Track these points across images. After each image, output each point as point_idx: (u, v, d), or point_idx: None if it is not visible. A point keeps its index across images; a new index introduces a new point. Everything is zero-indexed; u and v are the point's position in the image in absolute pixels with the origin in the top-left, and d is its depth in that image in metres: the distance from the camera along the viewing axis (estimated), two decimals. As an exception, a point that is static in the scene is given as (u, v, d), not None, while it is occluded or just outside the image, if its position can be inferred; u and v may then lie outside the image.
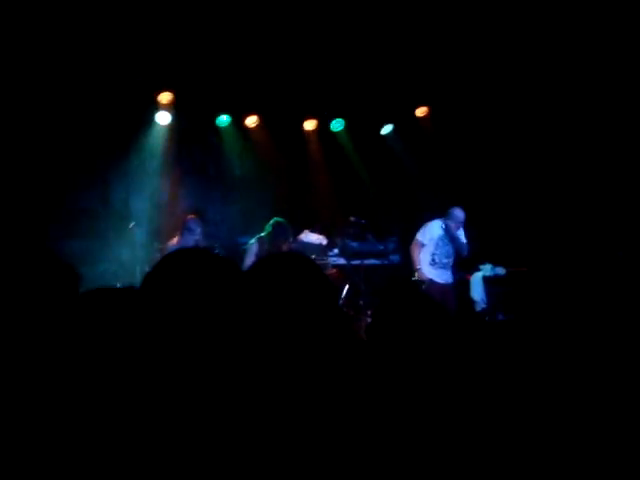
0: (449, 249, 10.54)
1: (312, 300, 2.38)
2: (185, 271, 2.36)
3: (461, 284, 11.31)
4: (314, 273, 2.46)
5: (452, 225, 10.34)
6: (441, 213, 10.47)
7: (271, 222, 10.00)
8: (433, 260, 10.55)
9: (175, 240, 9.69)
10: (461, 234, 10.52)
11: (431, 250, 10.53)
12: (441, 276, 10.53)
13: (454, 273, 10.75)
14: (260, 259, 2.59)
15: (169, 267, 2.39)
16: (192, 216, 9.83)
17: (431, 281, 10.44)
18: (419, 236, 10.54)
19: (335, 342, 2.38)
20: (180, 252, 2.49)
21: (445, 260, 10.56)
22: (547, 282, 11.58)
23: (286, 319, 2.31)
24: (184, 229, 9.61)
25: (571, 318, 9.42)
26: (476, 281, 11.19)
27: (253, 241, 10.05)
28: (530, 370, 3.33)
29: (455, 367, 2.82)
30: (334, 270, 11.11)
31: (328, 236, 11.60)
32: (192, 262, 2.40)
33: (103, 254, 10.72)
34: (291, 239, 10.23)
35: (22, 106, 9.90)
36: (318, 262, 10.38)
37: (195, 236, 9.52)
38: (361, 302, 10.92)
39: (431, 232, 10.46)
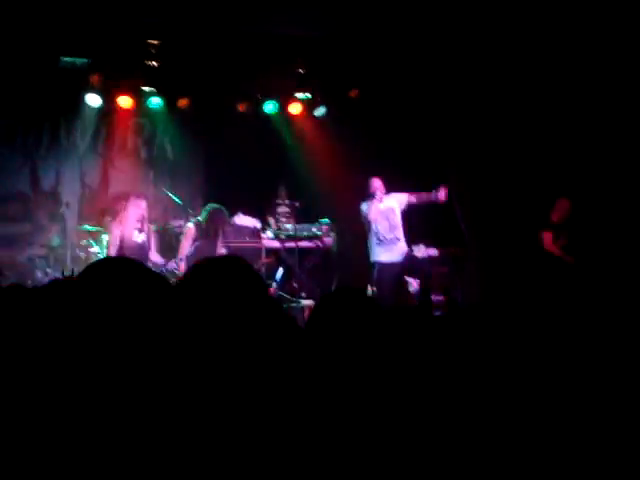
0: (387, 223, 10.54)
1: (247, 302, 2.47)
2: (113, 281, 2.41)
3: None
4: (248, 275, 2.56)
5: (377, 197, 10.48)
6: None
7: (207, 207, 10.12)
8: (378, 239, 10.55)
9: (120, 219, 9.64)
10: (394, 199, 10.61)
11: (373, 230, 10.58)
12: (389, 254, 10.52)
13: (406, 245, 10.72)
14: (195, 264, 2.69)
15: (98, 277, 2.43)
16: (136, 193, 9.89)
17: (379, 264, 10.53)
18: (364, 220, 10.76)
19: (272, 336, 2.46)
20: (107, 262, 2.69)
21: (389, 235, 10.54)
22: (480, 263, 11.88)
23: (222, 319, 2.39)
24: (130, 208, 9.56)
25: (503, 300, 9.73)
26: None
27: (190, 225, 10.14)
28: (466, 358, 3.25)
29: (388, 360, 2.88)
30: (270, 258, 11.26)
31: (261, 218, 11.64)
32: (119, 273, 2.46)
33: (34, 238, 10.86)
34: (228, 223, 10.32)
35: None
36: (252, 245, 11.07)
37: (140, 211, 9.51)
38: (295, 284, 11.09)
39: (363, 213, 10.59)
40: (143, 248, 9.49)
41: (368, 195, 10.56)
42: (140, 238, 9.50)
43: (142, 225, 9.56)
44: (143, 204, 9.60)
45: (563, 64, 10.54)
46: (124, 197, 9.99)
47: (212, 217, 9.99)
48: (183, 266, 9.59)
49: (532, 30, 10.03)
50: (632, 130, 10.45)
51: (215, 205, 10.10)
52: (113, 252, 9.51)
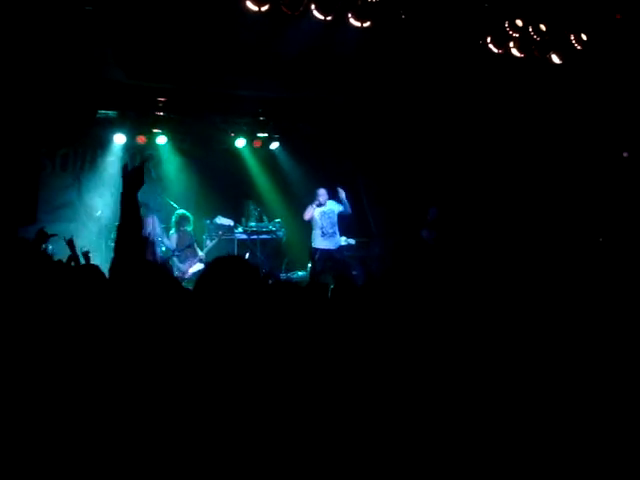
0: (330, 220, 11.21)
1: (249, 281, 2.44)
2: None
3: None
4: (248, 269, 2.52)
5: (322, 201, 11.18)
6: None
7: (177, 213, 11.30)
8: (322, 232, 11.21)
9: None
10: (334, 204, 11.30)
11: (318, 225, 11.24)
12: (329, 243, 11.23)
13: (339, 238, 11.45)
14: (213, 260, 2.66)
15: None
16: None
17: (321, 250, 11.20)
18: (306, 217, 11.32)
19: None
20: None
21: (331, 230, 11.24)
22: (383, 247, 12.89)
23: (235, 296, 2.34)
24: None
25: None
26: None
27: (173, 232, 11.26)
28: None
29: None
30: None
31: (235, 219, 12.69)
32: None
33: (79, 233, 10.92)
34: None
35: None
36: (228, 237, 12.16)
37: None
38: (257, 263, 11.81)
39: (311, 213, 11.27)
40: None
41: (314, 200, 11.28)
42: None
43: None
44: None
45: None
46: None
47: (179, 221, 11.12)
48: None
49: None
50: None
51: (181, 212, 11.22)
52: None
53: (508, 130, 11.52)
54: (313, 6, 8.36)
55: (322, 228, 11.28)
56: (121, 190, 2.99)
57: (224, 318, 2.25)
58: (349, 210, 11.44)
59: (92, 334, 2.28)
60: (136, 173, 2.98)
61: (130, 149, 12.66)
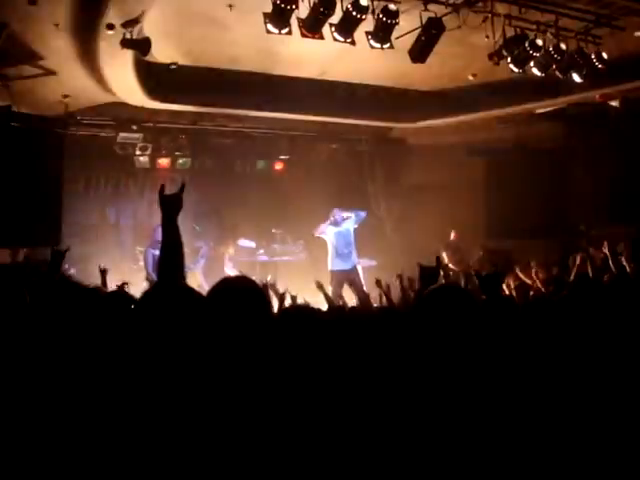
0: (345, 240, 10.86)
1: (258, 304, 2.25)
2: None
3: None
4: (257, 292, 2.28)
5: (336, 219, 10.81)
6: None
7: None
8: (337, 252, 10.83)
9: (149, 242, 10.33)
10: (349, 220, 10.95)
11: (333, 245, 10.88)
12: (344, 264, 10.77)
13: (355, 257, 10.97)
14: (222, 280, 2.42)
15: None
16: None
17: (336, 271, 10.78)
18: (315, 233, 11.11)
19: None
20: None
21: (346, 250, 10.85)
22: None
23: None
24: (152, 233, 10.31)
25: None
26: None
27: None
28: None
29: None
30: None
31: (257, 241, 12.74)
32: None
33: (102, 255, 10.88)
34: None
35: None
36: (249, 259, 12.16)
37: (155, 234, 9.98)
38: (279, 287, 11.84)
39: (321, 230, 10.98)
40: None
41: (330, 220, 10.88)
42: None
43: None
44: (158, 229, 9.93)
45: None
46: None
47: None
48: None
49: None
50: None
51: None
52: (148, 263, 10.12)
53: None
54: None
55: (337, 248, 10.90)
56: (161, 216, 2.86)
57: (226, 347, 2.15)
58: (362, 215, 11.21)
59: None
60: (174, 198, 2.88)
61: (151, 172, 12.58)
